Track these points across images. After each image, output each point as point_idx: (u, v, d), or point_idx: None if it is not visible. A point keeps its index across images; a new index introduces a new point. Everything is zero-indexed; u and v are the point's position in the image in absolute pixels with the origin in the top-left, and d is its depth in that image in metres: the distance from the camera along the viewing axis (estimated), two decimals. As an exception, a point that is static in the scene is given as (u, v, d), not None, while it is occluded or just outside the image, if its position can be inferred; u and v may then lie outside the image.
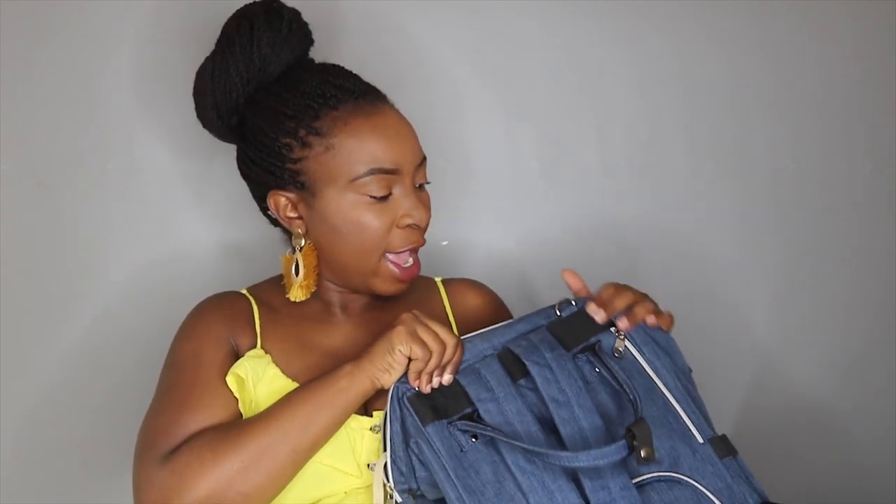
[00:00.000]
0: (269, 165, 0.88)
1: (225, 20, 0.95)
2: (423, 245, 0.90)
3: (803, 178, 1.39)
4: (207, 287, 1.13)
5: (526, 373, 0.77)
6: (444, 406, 0.76)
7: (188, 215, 1.15)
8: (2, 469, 1.09)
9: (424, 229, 0.90)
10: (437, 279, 1.01)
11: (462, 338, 0.81)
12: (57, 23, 1.07)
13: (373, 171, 0.84)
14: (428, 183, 0.92)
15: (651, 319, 0.82)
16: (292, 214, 0.89)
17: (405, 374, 0.78)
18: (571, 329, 0.82)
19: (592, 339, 0.81)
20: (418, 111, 1.22)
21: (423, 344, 0.77)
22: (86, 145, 1.10)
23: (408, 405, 0.76)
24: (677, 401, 0.80)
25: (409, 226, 0.87)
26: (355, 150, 0.84)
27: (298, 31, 0.93)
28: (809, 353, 1.43)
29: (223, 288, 0.97)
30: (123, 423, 1.14)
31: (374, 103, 0.88)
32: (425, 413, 0.75)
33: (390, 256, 0.88)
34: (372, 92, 0.91)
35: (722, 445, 0.78)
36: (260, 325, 0.90)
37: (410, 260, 0.89)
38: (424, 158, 0.90)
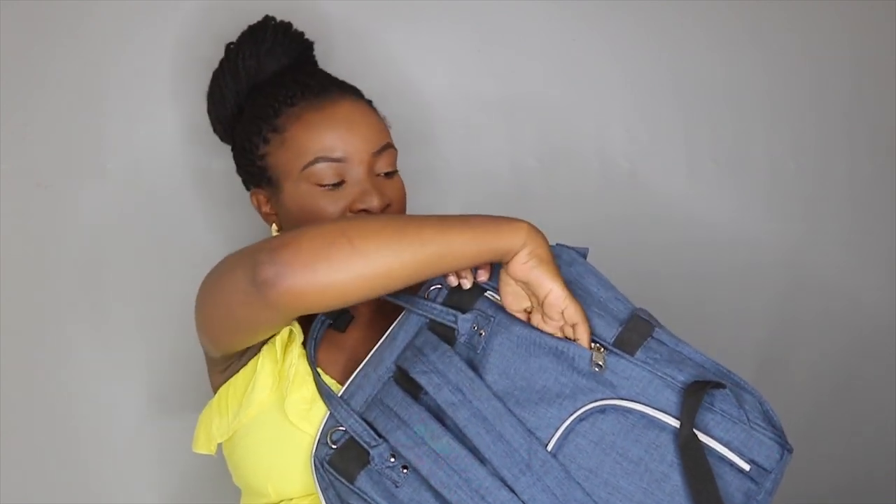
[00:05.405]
0: (245, 165, 0.94)
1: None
2: None
3: (803, 178, 1.39)
4: (207, 287, 1.13)
5: (421, 385, 0.75)
6: (362, 452, 0.74)
7: (188, 216, 1.15)
8: (2, 472, 1.09)
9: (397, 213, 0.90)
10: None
11: (355, 373, 0.80)
12: (57, 23, 1.07)
13: (318, 160, 0.87)
14: (395, 171, 0.92)
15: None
16: (269, 211, 0.94)
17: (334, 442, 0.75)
18: (448, 315, 0.79)
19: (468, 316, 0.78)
20: (417, 111, 1.23)
21: (584, 318, 0.75)
22: (86, 145, 1.10)
23: (331, 470, 0.74)
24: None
25: (361, 210, 0.87)
26: (304, 140, 0.88)
27: (284, 41, 0.98)
28: (810, 353, 1.43)
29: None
30: (122, 423, 1.15)
31: (330, 97, 0.90)
32: (349, 469, 0.73)
33: None
34: (335, 87, 0.92)
35: (632, 336, 0.76)
36: None
37: None
38: (388, 146, 0.91)
